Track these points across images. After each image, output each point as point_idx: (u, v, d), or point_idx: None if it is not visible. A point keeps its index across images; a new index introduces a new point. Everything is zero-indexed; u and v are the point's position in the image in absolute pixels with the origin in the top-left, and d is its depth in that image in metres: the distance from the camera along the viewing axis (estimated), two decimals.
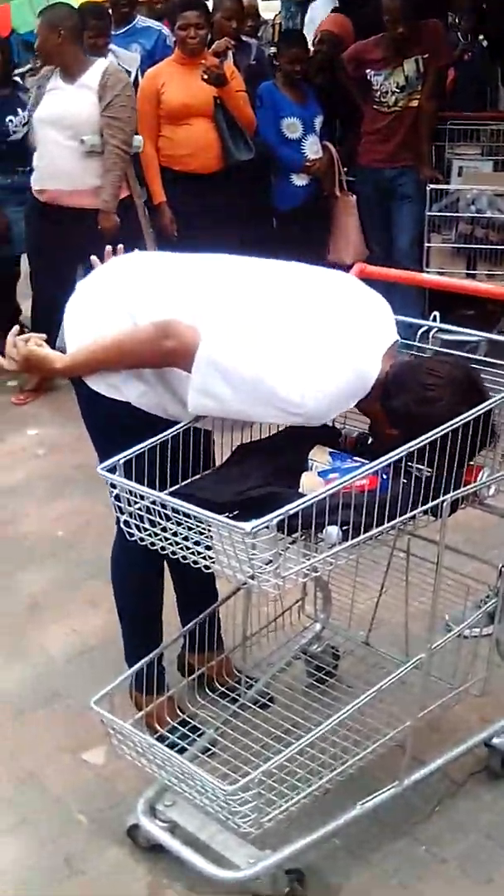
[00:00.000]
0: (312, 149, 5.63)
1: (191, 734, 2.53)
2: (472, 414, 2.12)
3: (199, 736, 2.55)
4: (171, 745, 2.37)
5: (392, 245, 5.80)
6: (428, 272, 5.42)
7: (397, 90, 5.57)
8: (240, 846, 2.23)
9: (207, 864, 2.22)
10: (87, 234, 4.67)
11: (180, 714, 2.63)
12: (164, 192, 5.30)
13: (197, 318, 2.21)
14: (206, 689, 2.71)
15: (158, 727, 2.56)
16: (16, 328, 2.42)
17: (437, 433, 2.06)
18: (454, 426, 2.08)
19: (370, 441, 2.34)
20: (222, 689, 2.73)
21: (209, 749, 2.51)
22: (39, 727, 2.91)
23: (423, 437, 2.06)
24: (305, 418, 2.14)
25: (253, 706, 2.65)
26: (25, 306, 5.73)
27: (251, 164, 5.34)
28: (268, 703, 2.72)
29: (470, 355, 2.49)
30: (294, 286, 2.35)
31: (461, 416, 2.09)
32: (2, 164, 5.53)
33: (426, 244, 5.63)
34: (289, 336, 2.18)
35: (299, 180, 5.66)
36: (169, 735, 2.50)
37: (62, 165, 4.93)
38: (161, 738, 2.45)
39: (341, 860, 2.40)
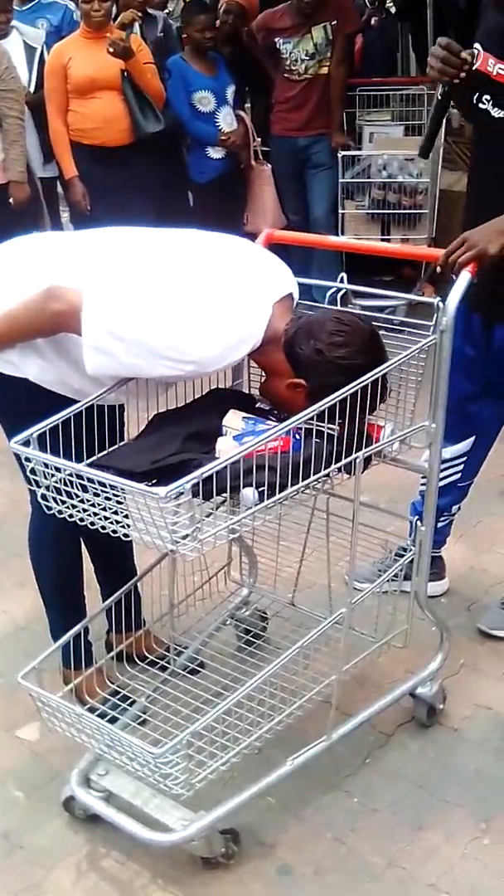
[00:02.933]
0: (227, 121, 5.61)
1: (122, 703, 2.55)
2: (382, 370, 2.17)
3: (130, 705, 2.56)
4: (102, 716, 2.39)
5: (308, 213, 5.83)
6: None
7: (307, 58, 5.59)
8: (173, 809, 2.26)
9: (142, 829, 2.25)
10: None
11: (110, 685, 2.64)
12: (75, 166, 5.26)
13: (81, 281, 2.22)
14: (136, 660, 2.74)
15: (89, 699, 2.57)
16: None
17: (345, 391, 2.10)
18: (361, 384, 2.12)
19: (261, 405, 2.37)
20: (152, 657, 2.75)
21: (140, 717, 2.53)
22: None
23: (333, 395, 2.10)
24: (197, 366, 2.15)
25: (183, 672, 2.67)
26: None
27: (163, 137, 5.31)
28: (198, 668, 2.75)
29: (390, 317, 2.54)
30: (181, 246, 2.37)
31: (369, 374, 2.14)
32: None
33: (340, 211, 5.67)
34: (173, 287, 2.19)
35: (215, 153, 5.64)
36: (100, 706, 2.51)
37: None
38: (92, 710, 2.46)
39: (275, 817, 2.44)
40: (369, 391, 2.15)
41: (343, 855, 2.35)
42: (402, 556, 2.58)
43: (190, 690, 2.54)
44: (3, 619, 3.31)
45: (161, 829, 2.25)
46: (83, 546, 2.73)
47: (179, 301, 2.16)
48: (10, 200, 4.98)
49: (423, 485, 2.93)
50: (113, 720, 2.43)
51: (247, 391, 2.63)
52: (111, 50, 5.03)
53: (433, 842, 2.37)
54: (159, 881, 2.28)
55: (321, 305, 2.46)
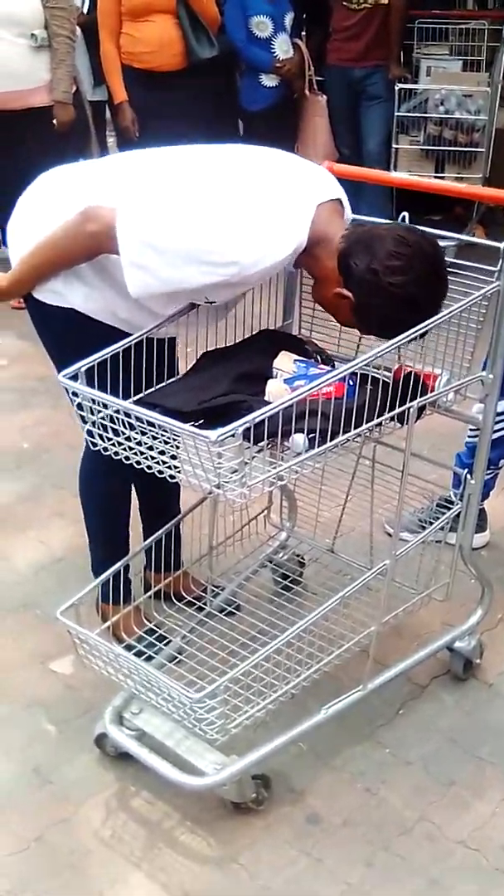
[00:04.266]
0: (283, 48, 5.45)
1: (157, 643, 2.54)
2: (438, 319, 2.09)
3: (165, 644, 2.55)
4: (138, 654, 2.37)
5: (361, 146, 5.70)
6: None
7: None
8: (206, 752, 2.24)
9: (174, 771, 2.24)
10: (40, 134, 4.61)
11: (147, 623, 2.63)
12: (125, 90, 5.14)
13: (116, 200, 2.15)
14: (174, 600, 2.71)
15: (125, 636, 2.56)
16: None
17: (402, 340, 2.03)
18: (418, 332, 2.05)
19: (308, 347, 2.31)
20: (189, 598, 2.72)
21: (176, 657, 2.52)
22: (7, 638, 2.90)
23: (392, 341, 2.03)
24: (239, 268, 2.06)
25: (219, 614, 2.65)
26: None
27: (216, 63, 5.16)
28: (234, 611, 2.73)
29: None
30: (215, 155, 2.29)
31: (427, 322, 2.07)
32: None
33: (394, 146, 5.54)
34: (206, 191, 2.13)
35: (269, 81, 5.50)
36: (136, 644, 2.50)
37: (13, 64, 4.76)
38: (128, 647, 2.45)
39: (307, 765, 2.43)
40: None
41: (373, 806, 2.33)
42: (445, 506, 2.53)
43: (226, 633, 2.52)
44: (41, 549, 3.29)
45: (193, 772, 2.24)
46: (132, 483, 2.69)
47: (213, 204, 2.09)
48: (54, 122, 4.88)
49: (472, 437, 2.87)
50: (148, 659, 2.42)
51: (297, 329, 2.57)
52: None
53: (464, 798, 2.35)
54: (188, 823, 2.28)
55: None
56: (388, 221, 2.24)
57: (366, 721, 2.53)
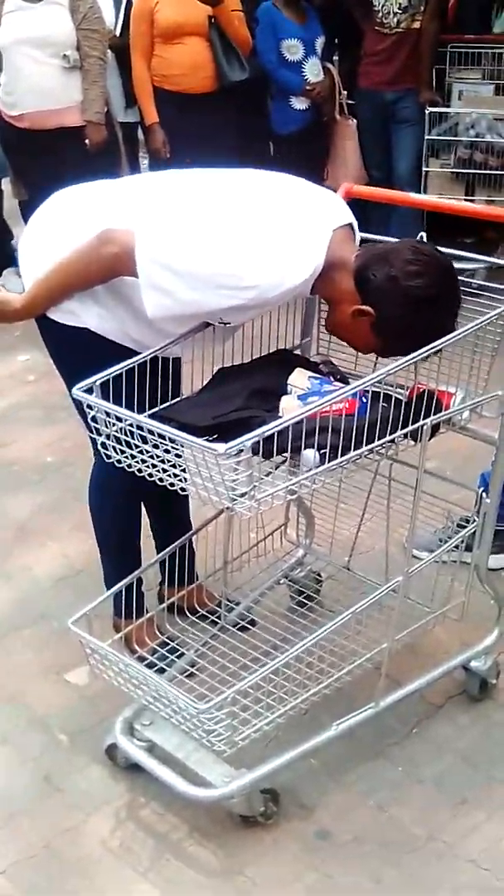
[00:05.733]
0: (313, 71, 5.48)
1: (170, 655, 2.55)
2: (458, 335, 2.11)
3: (178, 657, 2.57)
4: (150, 667, 2.39)
5: (391, 170, 5.71)
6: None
7: (399, 11, 5.42)
8: (215, 765, 2.25)
9: (183, 783, 2.25)
10: (72, 153, 4.71)
11: (160, 636, 2.64)
12: (156, 112, 5.20)
13: (134, 222, 2.18)
14: (187, 613, 2.73)
15: (138, 648, 2.57)
16: None
17: (417, 356, 2.04)
18: (435, 349, 2.06)
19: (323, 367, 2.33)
20: (203, 612, 2.74)
21: (188, 670, 2.53)
22: (24, 648, 2.93)
23: (406, 358, 2.04)
24: (258, 292, 2.09)
25: (233, 629, 2.66)
26: (18, 231, 5.68)
27: (247, 86, 5.21)
28: (248, 626, 2.74)
29: (469, 280, 2.46)
30: (233, 181, 2.32)
31: (444, 339, 2.09)
32: None
33: (424, 168, 5.54)
34: (225, 216, 2.15)
35: (299, 104, 5.53)
36: (148, 656, 2.51)
37: (46, 84, 4.87)
38: (141, 659, 2.47)
39: (317, 780, 2.43)
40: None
41: (383, 824, 2.33)
42: (465, 526, 2.53)
43: (239, 647, 2.53)
44: (61, 561, 3.33)
45: (202, 784, 2.24)
46: (142, 496, 2.71)
47: (232, 228, 2.12)
48: (87, 142, 4.95)
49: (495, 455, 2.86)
50: (161, 671, 2.43)
51: (315, 348, 2.59)
52: None
53: (476, 818, 2.34)
54: (196, 835, 2.29)
55: None
56: (395, 240, 2.26)
57: (378, 738, 2.53)
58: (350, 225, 2.25)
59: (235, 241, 2.10)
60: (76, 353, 2.36)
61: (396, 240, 2.25)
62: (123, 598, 2.55)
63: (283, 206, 2.21)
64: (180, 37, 5.06)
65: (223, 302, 2.12)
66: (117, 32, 5.45)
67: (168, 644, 2.59)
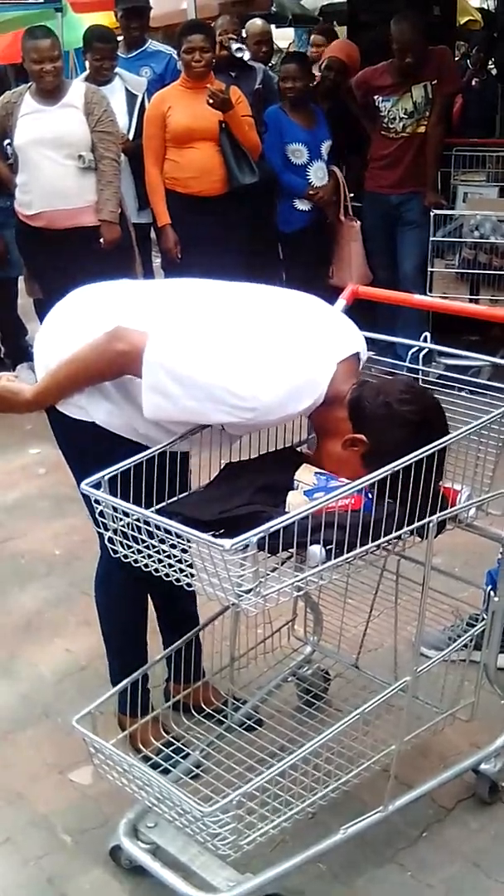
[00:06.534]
0: (317, 175, 5.64)
1: (175, 755, 2.51)
2: (461, 433, 2.14)
3: (183, 758, 2.52)
4: (155, 766, 2.35)
5: (396, 271, 5.81)
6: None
7: (405, 116, 5.59)
8: (220, 869, 2.20)
9: (187, 887, 2.19)
10: (86, 253, 4.81)
11: (165, 735, 2.61)
12: (168, 214, 5.33)
13: (147, 325, 2.22)
14: (193, 712, 2.70)
15: (143, 748, 2.53)
16: None
17: (417, 455, 2.05)
18: (431, 450, 2.08)
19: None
20: (209, 710, 2.70)
21: (193, 771, 2.49)
22: (27, 746, 2.89)
23: (412, 455, 2.05)
24: (256, 414, 2.12)
25: (240, 729, 2.62)
26: (32, 327, 5.77)
27: (257, 188, 5.35)
28: (255, 725, 2.70)
29: (473, 378, 2.50)
30: (250, 298, 2.37)
31: (444, 439, 2.12)
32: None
33: (429, 269, 5.64)
34: (237, 334, 2.19)
35: (302, 205, 5.67)
36: (153, 756, 2.47)
37: (62, 185, 5.00)
38: (146, 759, 2.43)
39: (325, 885, 2.37)
40: (436, 458, 2.11)
41: None
42: (474, 624, 2.51)
43: (245, 748, 2.49)
44: (66, 657, 3.30)
45: (206, 888, 2.19)
46: (148, 591, 2.70)
47: (242, 347, 2.16)
48: (101, 241, 5.06)
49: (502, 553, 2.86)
50: (165, 772, 2.39)
51: None
52: (211, 101, 5.09)
53: None
54: None
55: (403, 364, 2.43)
56: (389, 370, 2.40)
57: (387, 842, 2.47)
58: (356, 354, 2.31)
59: (243, 363, 2.13)
60: (84, 445, 2.39)
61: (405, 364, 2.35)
62: (129, 695, 2.52)
63: (293, 329, 2.26)
64: (192, 141, 5.22)
65: (220, 417, 2.16)
66: (130, 136, 5.61)
67: (173, 744, 2.55)
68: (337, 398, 2.22)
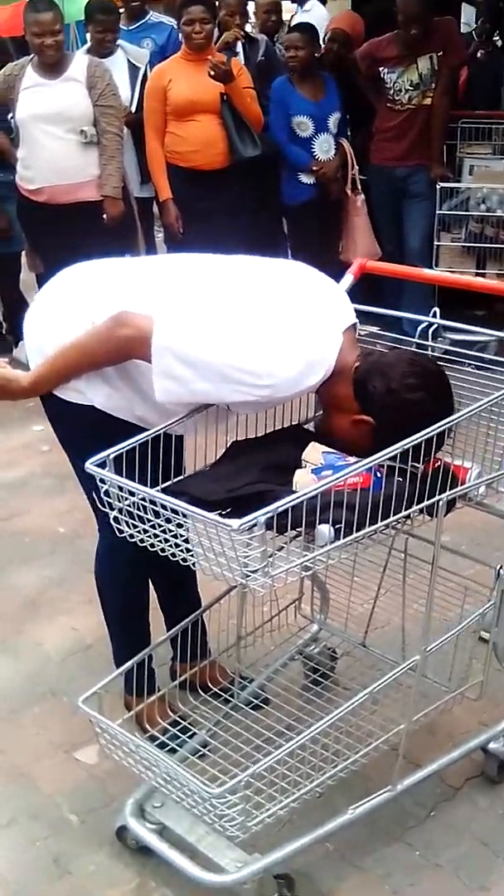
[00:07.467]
0: (323, 148, 5.56)
1: (182, 735, 2.50)
2: (471, 411, 2.10)
3: (190, 737, 2.51)
4: (162, 746, 2.34)
5: (403, 243, 5.76)
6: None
7: (411, 88, 5.52)
8: (227, 849, 2.19)
9: (194, 868, 2.18)
10: (88, 228, 4.77)
11: (172, 714, 2.59)
12: (169, 188, 5.28)
13: (151, 308, 2.18)
14: (199, 691, 2.68)
15: (149, 728, 2.52)
16: None
17: (427, 433, 2.02)
18: (442, 427, 2.05)
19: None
20: (216, 689, 2.69)
21: (200, 750, 2.47)
22: (33, 725, 2.88)
23: (419, 434, 2.02)
24: (272, 391, 2.10)
25: (246, 707, 2.61)
26: None
27: (261, 161, 5.29)
28: (262, 704, 2.68)
29: (480, 354, 2.46)
30: (248, 274, 2.33)
31: (452, 418, 2.09)
32: (2, 160, 5.52)
33: (436, 243, 5.59)
34: (244, 312, 2.16)
35: (306, 178, 5.60)
36: (159, 736, 2.46)
37: (63, 160, 4.94)
38: (151, 739, 2.42)
39: (332, 865, 2.36)
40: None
41: None
42: None
43: (252, 726, 2.48)
44: (71, 635, 3.28)
45: (213, 868, 2.18)
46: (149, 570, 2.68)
47: (250, 325, 2.13)
48: (104, 216, 5.02)
49: None
50: (172, 751, 2.38)
51: None
52: (212, 73, 5.03)
53: None
54: None
55: (410, 339, 2.40)
56: (394, 345, 2.34)
57: (395, 821, 2.47)
58: (354, 325, 2.29)
59: (254, 341, 2.10)
60: (82, 429, 2.35)
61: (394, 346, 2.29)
62: (134, 675, 2.50)
63: (298, 302, 2.22)
64: (193, 114, 5.16)
65: (236, 397, 2.13)
66: (133, 109, 5.55)
67: (180, 723, 2.54)
68: (343, 370, 2.19)
